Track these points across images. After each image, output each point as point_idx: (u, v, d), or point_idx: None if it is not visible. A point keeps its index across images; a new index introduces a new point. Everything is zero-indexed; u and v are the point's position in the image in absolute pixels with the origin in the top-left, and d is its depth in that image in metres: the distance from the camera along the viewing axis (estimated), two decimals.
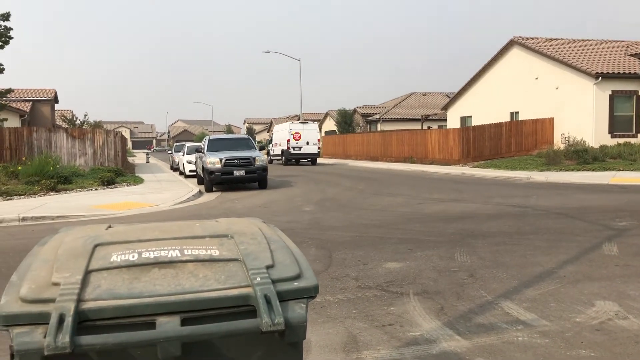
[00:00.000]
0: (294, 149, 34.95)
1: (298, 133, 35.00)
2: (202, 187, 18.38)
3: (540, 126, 28.21)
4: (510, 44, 30.97)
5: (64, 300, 1.55)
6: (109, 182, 19.01)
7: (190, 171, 24.60)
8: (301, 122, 36.65)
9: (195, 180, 21.68)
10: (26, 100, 36.46)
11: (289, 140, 34.85)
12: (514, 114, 30.74)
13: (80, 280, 1.64)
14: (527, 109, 29.30)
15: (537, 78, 28.82)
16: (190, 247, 1.89)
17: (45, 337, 1.49)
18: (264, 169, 18.23)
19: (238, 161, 17.88)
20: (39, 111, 37.68)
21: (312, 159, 35.31)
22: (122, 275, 1.70)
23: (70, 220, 11.48)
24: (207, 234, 2.03)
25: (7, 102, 25.33)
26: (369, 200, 13.98)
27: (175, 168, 32.16)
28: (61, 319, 1.51)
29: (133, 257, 1.80)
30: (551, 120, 28.14)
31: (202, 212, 12.81)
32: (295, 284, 1.75)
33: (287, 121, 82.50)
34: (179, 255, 1.83)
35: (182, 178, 24.86)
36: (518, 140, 28.09)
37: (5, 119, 21.12)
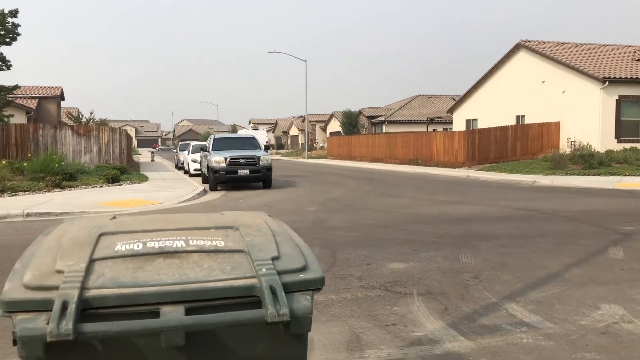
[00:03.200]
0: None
1: None
2: (207, 186, 18.39)
3: (546, 130, 28.11)
4: (517, 47, 30.89)
5: (67, 288, 1.54)
6: (113, 180, 19.04)
7: (195, 170, 24.62)
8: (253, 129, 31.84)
9: (199, 179, 21.69)
10: (32, 97, 36.56)
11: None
12: (519, 118, 30.66)
13: (84, 269, 1.63)
14: (533, 113, 29.21)
15: (543, 82, 28.74)
16: (196, 237, 1.87)
17: (48, 323, 1.47)
18: (269, 169, 18.22)
19: (243, 160, 17.88)
20: (45, 108, 37.79)
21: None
22: (127, 264, 1.69)
23: (75, 217, 11.49)
24: (212, 226, 2.01)
25: (13, 99, 25.40)
26: (373, 201, 13.95)
27: (180, 167, 32.19)
28: (64, 306, 1.49)
29: (138, 246, 1.78)
30: (557, 124, 28.03)
31: (207, 210, 12.80)
32: (301, 275, 1.73)
33: (292, 121, 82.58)
34: (184, 245, 1.81)
35: (186, 177, 24.88)
36: (524, 144, 28.00)
37: (12, 115, 21.20)
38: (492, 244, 7.90)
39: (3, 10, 16.76)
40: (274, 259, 1.77)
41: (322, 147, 63.04)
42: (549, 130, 28.11)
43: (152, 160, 45.40)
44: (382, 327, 4.44)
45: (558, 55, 28.41)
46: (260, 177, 18.22)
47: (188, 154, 27.01)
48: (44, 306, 1.52)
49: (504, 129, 28.09)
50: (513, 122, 30.39)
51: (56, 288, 1.55)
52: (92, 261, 1.68)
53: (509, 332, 4.29)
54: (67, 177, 17.77)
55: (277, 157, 54.42)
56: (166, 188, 18.17)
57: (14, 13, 16.95)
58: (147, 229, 1.94)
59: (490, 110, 32.59)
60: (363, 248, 7.64)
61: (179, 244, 1.82)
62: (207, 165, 18.40)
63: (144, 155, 58.56)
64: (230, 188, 18.39)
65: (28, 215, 11.61)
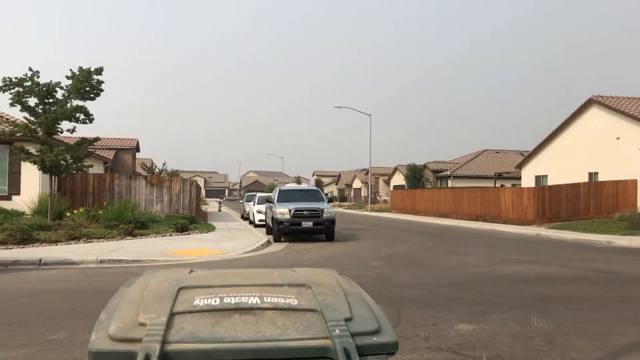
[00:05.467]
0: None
1: None
2: (271, 237, 18.60)
3: (622, 188, 26.91)
4: (589, 102, 30.11)
5: (149, 341, 1.59)
6: (182, 229, 19.60)
7: (259, 220, 25.01)
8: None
9: (264, 229, 21.99)
10: (110, 149, 38.61)
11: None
12: (592, 175, 29.56)
13: (165, 322, 1.68)
14: (607, 170, 28.10)
15: (618, 138, 27.73)
16: (270, 294, 1.91)
17: None
18: (332, 221, 18.27)
19: (306, 212, 18.04)
20: (121, 159, 39.76)
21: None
22: (205, 319, 1.73)
23: (144, 265, 11.86)
24: (285, 283, 2.04)
25: (93, 150, 26.91)
26: (439, 258, 13.66)
27: (245, 217, 32.80)
28: (147, 359, 1.54)
29: (215, 301, 1.83)
30: (634, 182, 26.81)
31: (270, 262, 12.91)
32: (375, 338, 1.72)
33: (355, 174, 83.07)
34: (258, 302, 1.85)
35: (251, 227, 25.29)
36: (597, 202, 26.85)
37: (91, 166, 22.39)
38: (566, 307, 7.52)
39: (89, 68, 17.99)
40: (347, 320, 1.77)
41: (385, 200, 62.75)
42: (625, 188, 26.89)
43: (219, 210, 46.48)
44: None
45: (633, 110, 27.45)
46: (323, 230, 18.29)
47: (254, 205, 27.53)
48: (128, 358, 1.58)
49: (576, 186, 27.12)
50: (585, 179, 29.32)
51: (139, 340, 1.61)
52: (172, 315, 1.74)
53: None
54: (139, 225, 18.46)
55: (340, 209, 54.54)
56: (232, 238, 18.51)
57: (99, 71, 18.16)
58: (223, 284, 1.99)
59: (561, 166, 31.63)
60: (429, 307, 7.45)
61: (254, 300, 1.86)
62: (272, 216, 18.67)
63: (211, 205, 60.13)
64: (294, 239, 18.52)
65: (101, 262, 12.08)
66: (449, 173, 50.46)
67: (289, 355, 1.64)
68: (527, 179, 35.48)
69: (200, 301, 1.83)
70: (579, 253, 15.02)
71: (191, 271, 2.22)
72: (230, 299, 1.85)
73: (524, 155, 40.41)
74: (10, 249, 13.74)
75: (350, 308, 1.85)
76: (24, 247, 14.06)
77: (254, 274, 2.19)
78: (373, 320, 1.81)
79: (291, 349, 1.64)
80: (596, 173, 29.28)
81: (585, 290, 9.00)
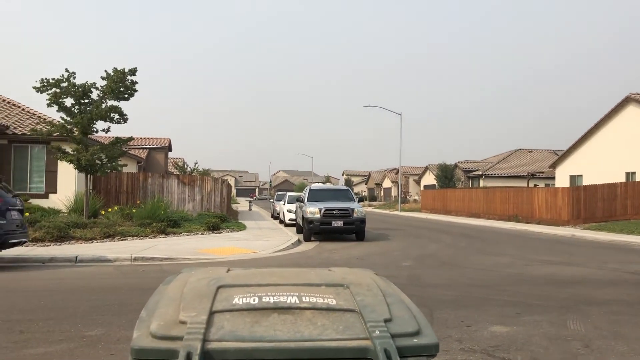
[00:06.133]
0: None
1: None
2: (301, 236, 18.64)
3: None
4: (626, 101, 29.37)
5: (190, 339, 1.61)
6: (214, 228, 19.81)
7: (289, 220, 25.10)
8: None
9: (294, 229, 22.06)
10: (143, 148, 39.23)
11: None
12: (629, 175, 28.82)
13: (205, 321, 1.70)
14: None
15: None
16: (308, 294, 1.90)
17: None
18: (362, 221, 18.22)
19: (337, 212, 18.03)
20: (154, 158, 40.38)
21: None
22: (244, 318, 1.74)
23: (177, 263, 12.02)
24: (323, 283, 2.04)
25: (127, 149, 27.38)
26: (471, 259, 13.50)
27: (275, 216, 32.97)
28: (188, 357, 1.56)
29: (254, 300, 1.84)
30: None
31: (301, 261, 12.94)
32: (415, 340, 1.70)
33: (385, 173, 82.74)
34: (297, 301, 1.85)
35: (282, 226, 25.40)
36: (635, 203, 26.17)
37: (125, 165, 22.80)
38: (602, 310, 7.35)
39: (124, 69, 18.31)
40: (387, 320, 1.75)
41: (415, 200, 62.31)
42: None
43: (250, 209, 46.81)
44: None
45: None
46: (353, 229, 18.25)
47: (284, 204, 27.65)
48: (169, 356, 1.59)
49: (612, 186, 26.48)
50: (622, 179, 28.61)
51: (180, 338, 1.63)
52: (212, 313, 1.75)
53: None
54: (171, 224, 18.72)
55: (370, 209, 54.37)
56: (262, 237, 18.62)
57: (133, 72, 18.47)
58: (261, 283, 2.00)
59: (596, 166, 30.93)
60: (462, 308, 7.36)
61: (292, 300, 1.86)
62: (302, 215, 18.72)
63: (242, 204, 60.59)
64: (324, 239, 18.53)
65: (135, 259, 12.29)
66: (480, 172, 49.85)
67: (328, 355, 1.63)
68: (562, 179, 34.81)
69: (239, 300, 1.84)
70: (616, 255, 14.66)
71: (228, 270, 2.23)
72: (269, 298, 1.85)
73: (557, 155, 39.67)
74: (48, 246, 14.09)
75: (390, 309, 1.84)
76: (60, 245, 14.39)
77: (291, 273, 2.19)
78: (413, 321, 1.79)
79: (331, 349, 1.64)
80: (633, 173, 28.54)
81: (622, 292, 8.77)
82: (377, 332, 1.68)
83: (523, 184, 42.09)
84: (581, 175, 32.69)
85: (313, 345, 1.64)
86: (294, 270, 2.29)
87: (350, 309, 1.82)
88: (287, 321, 1.74)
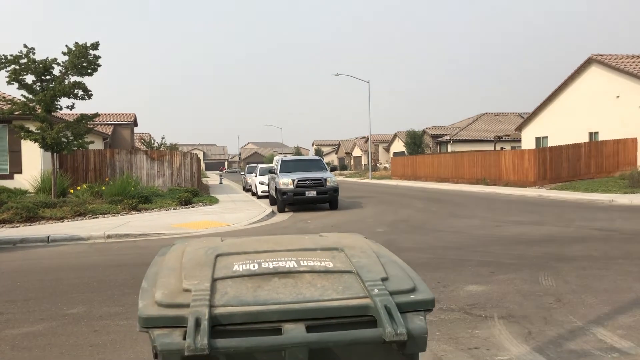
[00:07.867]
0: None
1: None
2: (275, 208, 18.70)
3: (622, 147, 26.95)
4: (589, 62, 29.90)
5: (198, 306, 1.65)
6: (186, 202, 19.69)
7: (262, 192, 25.08)
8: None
9: (267, 200, 22.08)
10: (108, 124, 38.43)
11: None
12: (593, 134, 29.55)
13: (209, 287, 1.74)
14: (607, 129, 28.09)
15: (618, 97, 27.64)
16: (305, 258, 1.96)
17: (183, 338, 1.59)
18: (335, 190, 18.36)
19: (310, 182, 18.11)
20: (120, 134, 39.62)
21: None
22: (246, 284, 1.79)
23: (152, 239, 11.97)
24: (318, 247, 2.10)
25: (93, 126, 26.83)
26: (443, 222, 13.77)
27: (247, 189, 32.87)
28: (197, 323, 1.60)
29: (254, 266, 1.89)
30: (634, 140, 26.83)
31: (277, 231, 13.02)
32: (412, 296, 1.78)
33: (354, 142, 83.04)
34: (295, 266, 1.90)
35: (254, 199, 25.38)
36: (598, 162, 26.92)
37: (92, 142, 22.33)
38: (572, 265, 7.64)
39: (85, 43, 17.81)
40: (383, 279, 1.83)
41: (385, 168, 62.83)
42: (626, 147, 26.94)
43: (221, 183, 46.52)
44: (464, 351, 4.38)
45: (633, 68, 27.29)
46: (327, 199, 18.39)
47: (256, 176, 27.57)
48: (177, 322, 1.64)
49: (576, 146, 27.14)
50: (586, 139, 29.32)
51: (187, 306, 1.67)
52: (214, 280, 1.80)
53: (599, 358, 4.14)
54: (142, 200, 18.53)
55: (341, 178, 54.62)
56: (236, 210, 18.61)
57: (95, 46, 17.98)
58: (258, 250, 2.05)
59: (561, 127, 31.58)
60: (437, 270, 7.56)
61: (291, 264, 1.91)
62: (275, 187, 18.74)
63: (212, 178, 60.19)
64: (298, 209, 18.62)
65: (109, 237, 12.18)
66: (448, 138, 50.39)
67: (331, 314, 1.70)
68: (527, 141, 35.47)
69: (239, 267, 1.89)
70: (582, 212, 15.14)
71: (222, 239, 2.27)
72: (268, 264, 1.90)
73: (523, 118, 40.33)
74: (17, 227, 13.84)
75: (385, 269, 1.91)
76: (30, 225, 14.15)
77: (285, 240, 2.24)
78: (408, 279, 1.87)
79: (333, 309, 1.70)
80: (596, 133, 29.27)
81: (590, 248, 9.11)
82: (376, 290, 1.75)
83: (490, 147, 42.77)
84: (546, 137, 33.36)
85: (316, 305, 1.70)
86: (287, 237, 2.34)
87: (348, 270, 1.89)
88: (288, 284, 1.80)
